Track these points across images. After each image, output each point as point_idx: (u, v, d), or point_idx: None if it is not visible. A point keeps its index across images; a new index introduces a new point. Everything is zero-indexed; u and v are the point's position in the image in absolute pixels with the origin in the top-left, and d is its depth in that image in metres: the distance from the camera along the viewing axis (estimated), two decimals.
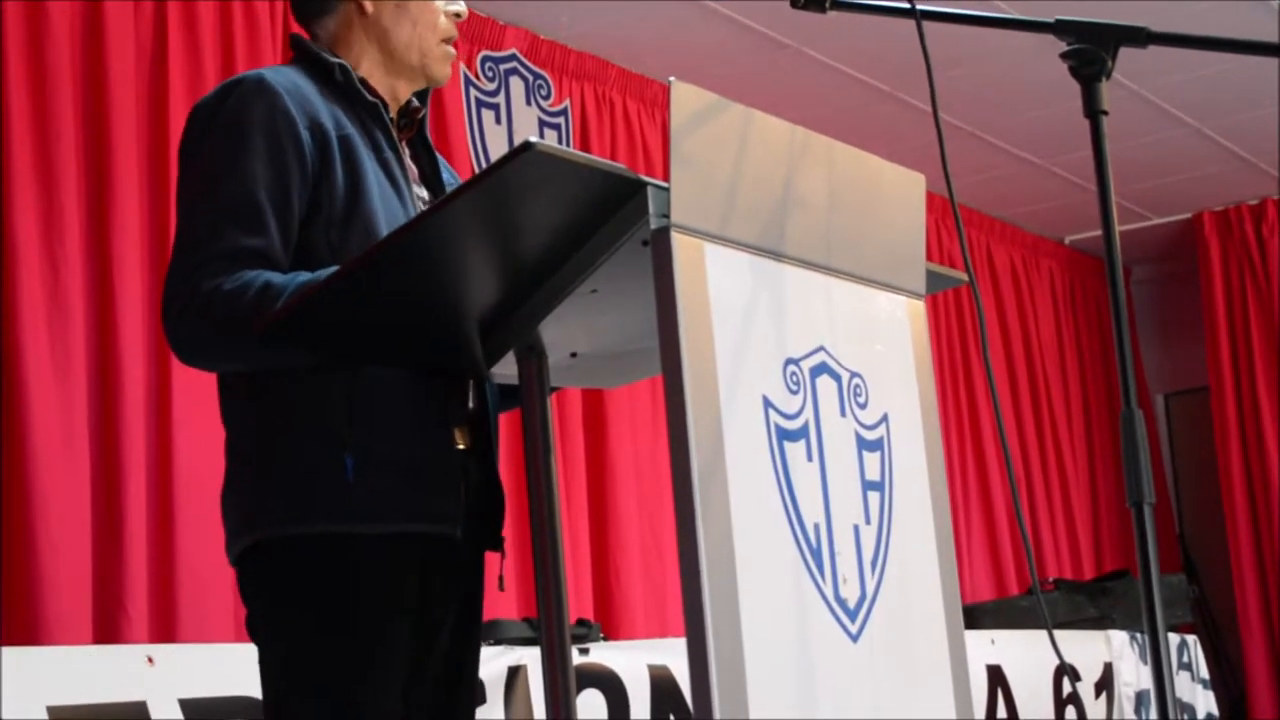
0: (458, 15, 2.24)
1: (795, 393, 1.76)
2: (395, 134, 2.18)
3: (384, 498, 1.99)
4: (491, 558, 2.19)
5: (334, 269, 1.93)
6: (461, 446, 2.10)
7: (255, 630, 2.06)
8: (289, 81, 2.08)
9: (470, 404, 2.13)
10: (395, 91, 2.22)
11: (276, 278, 1.94)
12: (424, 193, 2.22)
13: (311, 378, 2.00)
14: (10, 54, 3.71)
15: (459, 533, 2.06)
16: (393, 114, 2.21)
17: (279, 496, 2.00)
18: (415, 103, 2.26)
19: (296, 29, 2.27)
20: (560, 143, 5.18)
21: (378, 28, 2.19)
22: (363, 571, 1.99)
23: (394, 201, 2.10)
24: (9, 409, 3.54)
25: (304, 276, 1.94)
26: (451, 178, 2.31)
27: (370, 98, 2.15)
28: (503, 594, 4.30)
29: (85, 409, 3.67)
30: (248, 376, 2.06)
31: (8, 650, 3.00)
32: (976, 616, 5.91)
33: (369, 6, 2.18)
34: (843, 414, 1.84)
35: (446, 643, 2.13)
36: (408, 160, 2.23)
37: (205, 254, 1.96)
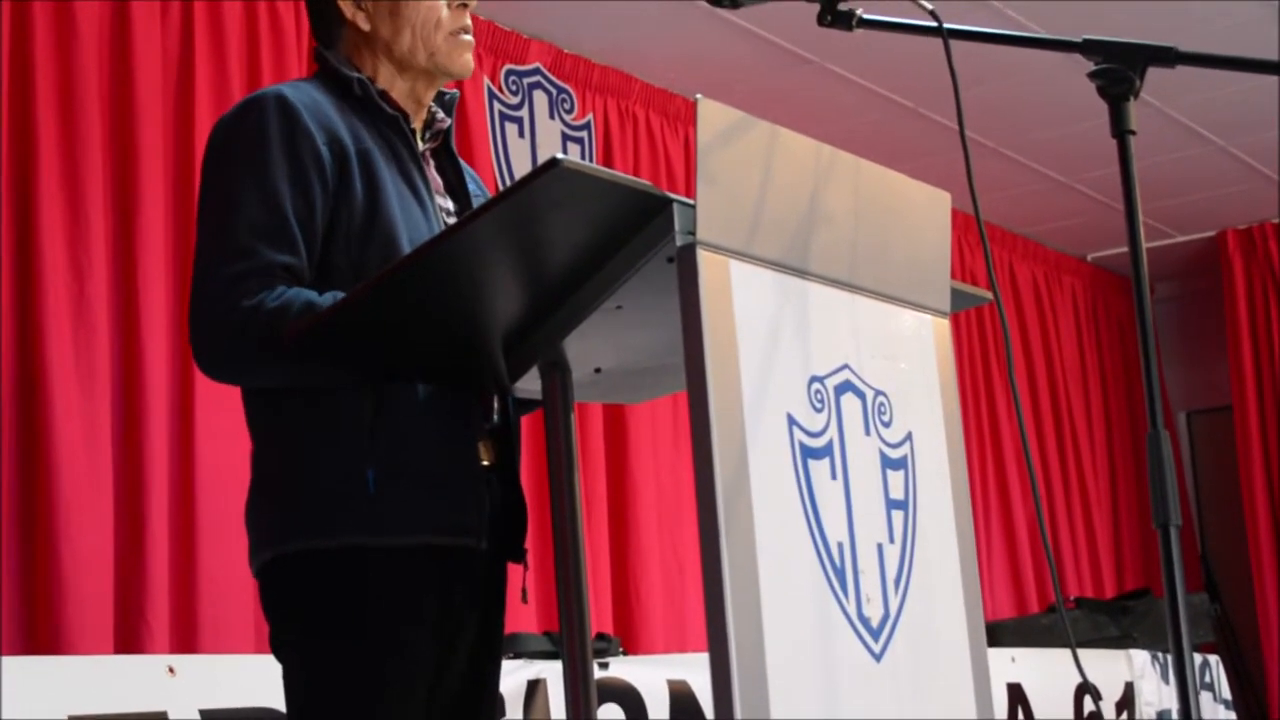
0: (463, 4, 2.20)
1: (820, 410, 1.76)
2: (417, 145, 2.18)
3: (407, 510, 1.99)
4: (514, 570, 2.19)
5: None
6: (486, 462, 2.10)
7: (279, 645, 2.07)
8: (308, 98, 2.08)
9: (494, 418, 2.14)
10: (417, 95, 2.21)
11: (317, 297, 1.94)
12: (448, 203, 2.22)
13: (335, 393, 2.01)
14: (38, 62, 3.73)
15: (483, 545, 2.06)
16: (417, 123, 2.21)
17: (302, 510, 2.01)
18: (440, 114, 2.26)
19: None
20: (583, 157, 5.18)
21: (379, 42, 2.18)
22: (385, 585, 2.00)
23: (416, 213, 2.10)
24: (34, 418, 3.56)
25: (341, 296, 1.94)
26: (477, 188, 2.31)
27: (390, 110, 2.16)
28: (523, 608, 4.32)
29: (109, 419, 3.68)
30: (273, 392, 2.07)
31: (30, 659, 3.01)
32: (997, 634, 5.89)
33: (365, 25, 2.18)
34: (867, 432, 1.83)
35: (467, 655, 2.13)
36: (431, 172, 2.23)
37: (238, 269, 1.95)
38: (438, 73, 2.20)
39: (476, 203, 2.25)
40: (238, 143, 2.05)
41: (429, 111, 2.25)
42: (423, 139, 2.23)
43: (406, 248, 2.04)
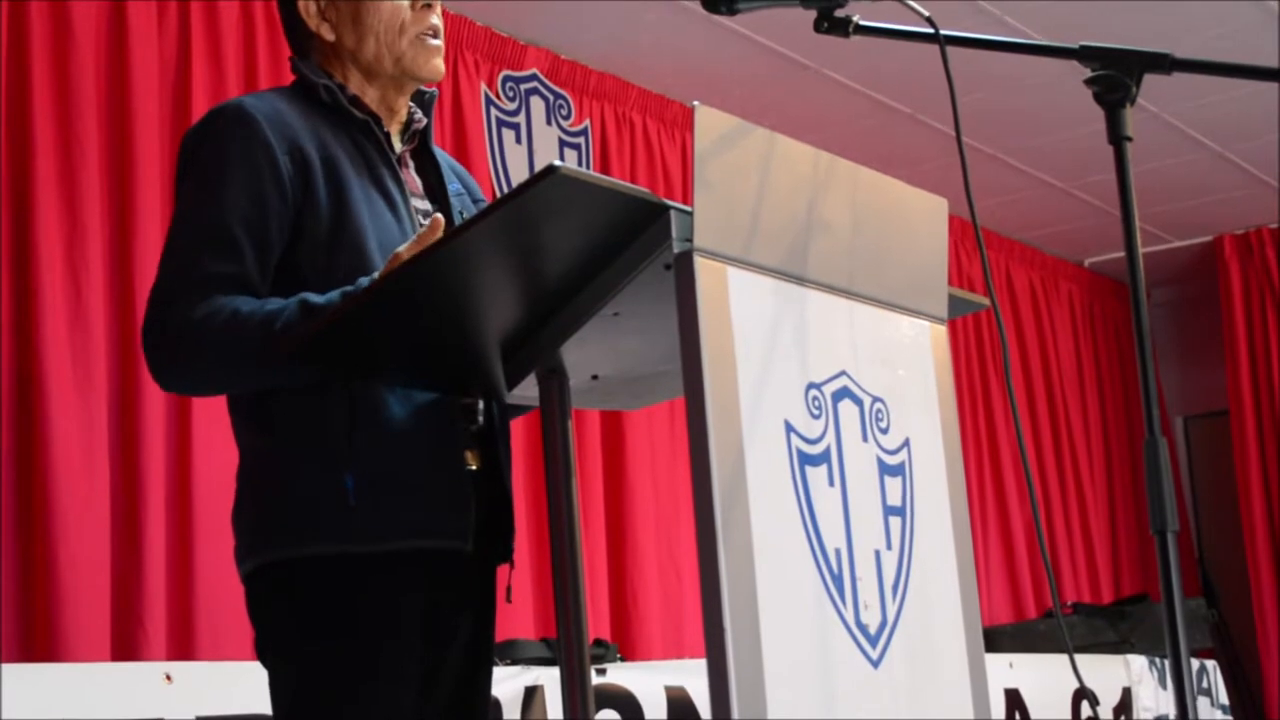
0: (427, 5, 2.19)
1: (817, 417, 1.76)
2: (390, 149, 2.17)
3: (387, 516, 1.99)
4: (502, 572, 2.19)
5: (299, 298, 1.95)
6: (473, 467, 2.10)
7: (264, 652, 2.07)
8: (270, 107, 2.08)
9: (479, 422, 2.14)
10: (390, 103, 2.21)
11: (245, 304, 1.96)
12: (426, 205, 2.20)
13: (313, 399, 2.00)
14: (35, 65, 3.73)
15: (467, 547, 2.06)
16: (391, 127, 2.20)
17: (281, 520, 2.01)
18: (417, 114, 2.25)
19: None
20: (580, 163, 5.18)
21: (345, 51, 2.18)
22: (367, 591, 2.00)
23: (387, 218, 2.09)
24: (31, 425, 3.55)
25: (274, 304, 1.95)
26: (461, 184, 2.30)
27: (360, 115, 2.15)
28: (521, 615, 4.31)
29: (106, 426, 3.68)
30: (252, 399, 2.07)
31: (28, 667, 3.01)
32: (994, 640, 5.89)
33: (329, 35, 2.18)
34: (864, 439, 1.83)
35: (459, 660, 2.13)
36: (410, 174, 2.22)
37: (177, 284, 1.99)
38: (405, 78, 2.19)
39: (458, 200, 2.25)
40: (195, 159, 2.08)
41: (406, 112, 2.24)
42: (401, 141, 2.23)
43: (376, 254, 2.04)
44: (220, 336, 1.94)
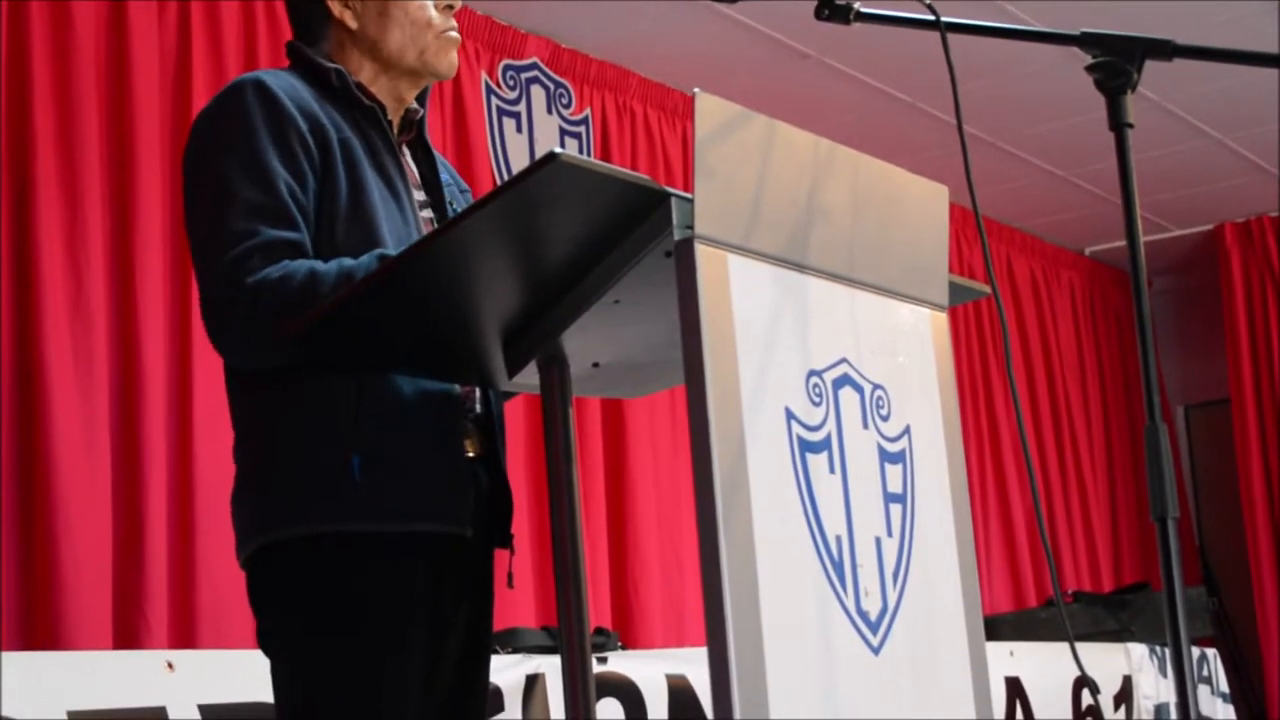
0: (449, 6, 2.22)
1: (818, 404, 1.76)
2: (393, 138, 2.18)
3: (392, 498, 1.99)
4: (501, 558, 2.19)
5: (375, 253, 1.94)
6: (472, 454, 2.10)
7: (267, 638, 2.06)
8: (287, 84, 2.09)
9: (478, 409, 2.14)
10: (399, 94, 2.22)
11: (321, 264, 1.94)
12: (423, 195, 2.22)
13: (318, 380, 2.00)
14: (36, 63, 3.73)
15: (469, 532, 2.06)
16: (394, 118, 2.21)
17: (286, 498, 2.01)
18: (414, 104, 2.26)
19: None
20: (581, 152, 5.18)
21: (367, 40, 2.18)
22: (372, 571, 1.99)
23: (392, 206, 2.10)
24: (32, 416, 3.56)
25: (348, 263, 1.93)
26: (450, 177, 2.31)
27: (367, 102, 2.16)
28: (522, 603, 4.32)
29: (107, 416, 3.68)
30: (254, 380, 2.06)
31: (29, 655, 3.01)
32: (995, 628, 5.89)
33: (352, 24, 2.18)
34: (865, 426, 1.84)
35: (458, 648, 2.13)
36: (408, 163, 2.23)
37: (242, 249, 1.95)
38: (425, 72, 2.21)
39: (447, 191, 2.26)
40: (222, 130, 2.05)
41: (408, 104, 2.25)
42: (399, 130, 2.23)
43: (388, 238, 2.04)
44: (304, 294, 1.90)
